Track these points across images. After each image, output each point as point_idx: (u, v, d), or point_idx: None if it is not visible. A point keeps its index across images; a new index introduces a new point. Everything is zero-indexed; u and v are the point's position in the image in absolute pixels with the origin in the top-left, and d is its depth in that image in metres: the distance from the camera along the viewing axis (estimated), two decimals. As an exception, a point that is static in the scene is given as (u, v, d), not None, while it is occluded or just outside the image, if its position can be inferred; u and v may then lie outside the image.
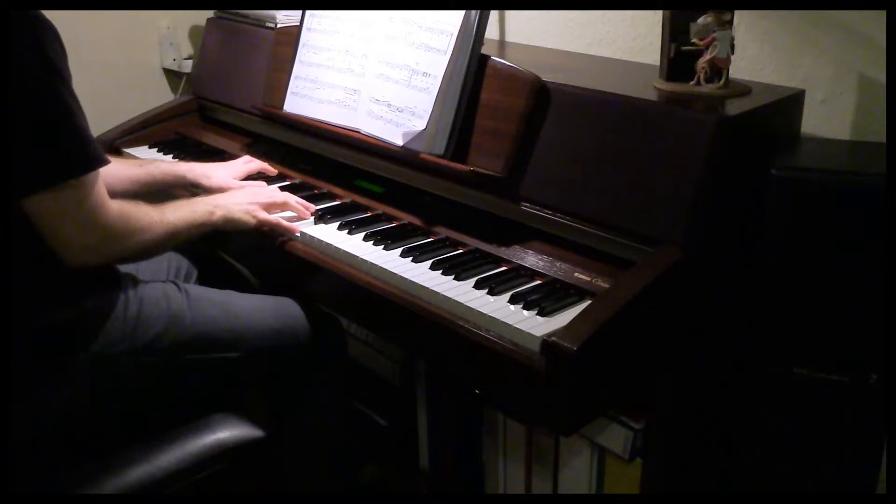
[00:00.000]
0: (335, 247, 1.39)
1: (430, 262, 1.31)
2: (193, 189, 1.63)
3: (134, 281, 1.34)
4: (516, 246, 1.34)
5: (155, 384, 1.31)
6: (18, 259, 1.19)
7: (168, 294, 1.34)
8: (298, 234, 1.45)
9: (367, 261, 1.33)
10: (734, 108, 1.24)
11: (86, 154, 1.17)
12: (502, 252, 1.33)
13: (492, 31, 1.92)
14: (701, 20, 1.27)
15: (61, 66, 1.14)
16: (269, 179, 1.69)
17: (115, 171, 1.45)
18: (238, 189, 1.56)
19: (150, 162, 1.67)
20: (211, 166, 1.68)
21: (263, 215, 1.45)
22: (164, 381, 1.32)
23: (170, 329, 1.30)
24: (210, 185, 1.60)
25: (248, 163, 1.70)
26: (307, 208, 1.50)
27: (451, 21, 1.40)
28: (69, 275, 1.21)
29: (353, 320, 1.68)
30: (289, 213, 1.50)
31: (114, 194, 1.25)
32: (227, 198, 1.47)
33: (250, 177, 1.67)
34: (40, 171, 1.13)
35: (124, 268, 1.37)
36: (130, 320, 1.27)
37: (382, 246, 1.38)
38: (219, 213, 1.40)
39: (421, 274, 1.28)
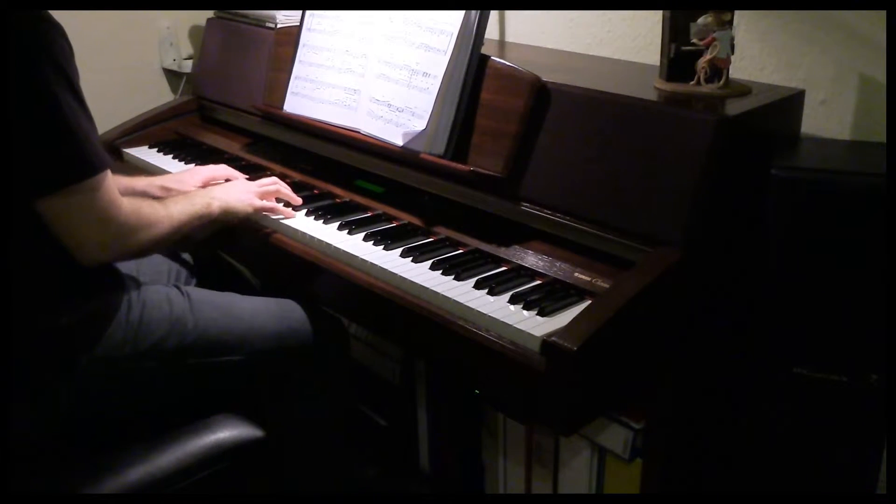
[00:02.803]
0: (335, 247, 1.39)
1: (430, 262, 1.31)
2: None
3: (136, 284, 1.34)
4: (516, 246, 1.34)
5: (157, 387, 1.31)
6: (22, 262, 1.19)
7: (170, 298, 1.34)
8: (294, 216, 1.49)
9: (367, 261, 1.33)
10: (734, 108, 1.24)
11: (94, 156, 1.17)
12: (502, 252, 1.33)
13: (492, 31, 1.92)
14: (701, 20, 1.27)
15: (69, 69, 1.15)
16: None
17: None
18: (231, 182, 1.58)
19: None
20: (181, 174, 1.65)
21: (259, 203, 1.48)
22: (165, 384, 1.32)
23: (172, 333, 1.30)
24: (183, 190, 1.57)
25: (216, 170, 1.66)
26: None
27: (451, 21, 1.40)
28: (72, 278, 1.21)
29: (354, 320, 1.68)
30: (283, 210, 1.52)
31: None
32: (222, 190, 1.49)
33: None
34: (52, 174, 1.14)
35: (126, 271, 1.37)
36: (133, 324, 1.27)
37: (382, 246, 1.38)
38: (216, 204, 1.42)
39: (421, 274, 1.28)
